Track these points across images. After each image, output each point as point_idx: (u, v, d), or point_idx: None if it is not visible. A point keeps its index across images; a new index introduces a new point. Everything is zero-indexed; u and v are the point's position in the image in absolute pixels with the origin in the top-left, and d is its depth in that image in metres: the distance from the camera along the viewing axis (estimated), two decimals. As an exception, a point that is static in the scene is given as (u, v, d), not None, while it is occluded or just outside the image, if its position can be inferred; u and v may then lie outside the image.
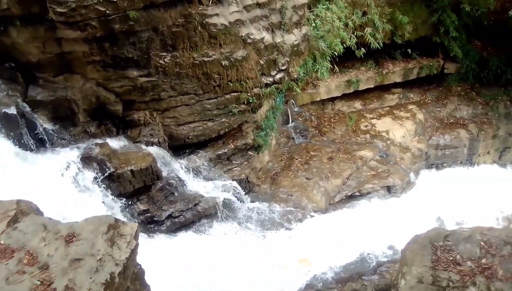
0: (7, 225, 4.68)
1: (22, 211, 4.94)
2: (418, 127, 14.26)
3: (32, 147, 7.19)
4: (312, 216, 10.55)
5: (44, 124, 7.38)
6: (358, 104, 14.83)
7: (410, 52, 14.72)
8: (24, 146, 7.04)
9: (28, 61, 7.38)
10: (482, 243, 4.88)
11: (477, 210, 13.35)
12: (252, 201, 10.15)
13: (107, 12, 7.05)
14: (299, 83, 11.64)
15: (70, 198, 6.86)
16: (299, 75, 11.09)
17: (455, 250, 4.76)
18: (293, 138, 12.68)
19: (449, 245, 4.83)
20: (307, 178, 11.37)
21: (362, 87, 14.34)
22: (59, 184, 6.91)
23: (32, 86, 7.45)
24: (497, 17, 14.17)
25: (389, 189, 12.26)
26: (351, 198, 11.83)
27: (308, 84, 13.11)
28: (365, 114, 14.39)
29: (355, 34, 12.07)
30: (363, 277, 8.70)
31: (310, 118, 13.56)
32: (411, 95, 15.62)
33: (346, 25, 11.72)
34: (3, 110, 6.74)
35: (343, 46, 11.71)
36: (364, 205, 11.71)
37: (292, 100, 12.83)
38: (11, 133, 6.84)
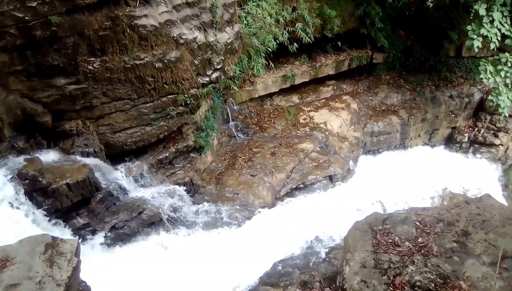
0: None
1: None
2: (353, 117, 14.86)
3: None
4: (259, 212, 10.64)
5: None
6: (295, 98, 15.15)
7: (340, 45, 15.27)
8: None
9: None
10: (417, 223, 5.18)
11: (413, 190, 14.23)
12: (198, 203, 10.04)
13: (26, 18, 6.60)
14: (236, 81, 11.67)
15: (1, 219, 6.38)
16: (235, 73, 11.11)
17: (394, 232, 5.00)
18: (235, 136, 12.69)
19: (387, 228, 5.08)
20: (251, 175, 11.44)
21: (298, 81, 14.67)
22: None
23: None
24: (417, 7, 15.07)
25: (331, 178, 12.66)
26: (296, 190, 12.09)
27: (245, 82, 13.18)
28: (303, 108, 14.74)
29: (286, 30, 12.31)
30: (312, 267, 8.92)
31: (250, 115, 13.64)
32: (345, 86, 16.23)
33: (277, 21, 11.90)
34: None
35: (276, 42, 11.90)
36: (309, 196, 12.01)
37: (231, 99, 12.82)
38: None
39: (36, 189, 7.15)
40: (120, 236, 8.36)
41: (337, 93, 15.94)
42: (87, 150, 8.15)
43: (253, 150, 12.31)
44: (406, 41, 16.66)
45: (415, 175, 14.81)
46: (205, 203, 10.09)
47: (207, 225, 9.60)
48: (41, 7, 6.63)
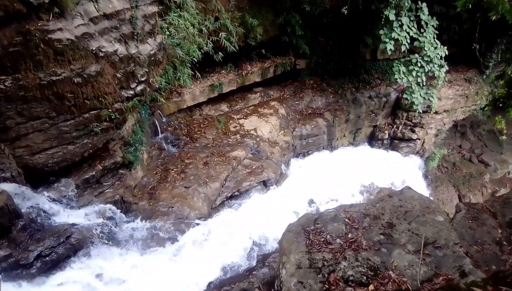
0: None
1: None
2: (282, 122, 15.26)
3: None
4: (197, 224, 10.50)
5: None
6: (224, 107, 15.22)
7: (264, 53, 15.63)
8: None
9: None
10: (346, 220, 5.42)
11: (343, 188, 14.94)
12: (130, 221, 9.67)
13: None
14: (163, 93, 11.46)
15: None
16: (161, 85, 10.92)
17: (325, 231, 5.19)
18: (165, 149, 12.43)
19: (319, 228, 5.25)
20: (185, 187, 11.26)
21: (225, 90, 14.76)
22: None
23: None
24: (334, 14, 15.86)
25: (265, 183, 12.86)
26: (232, 198, 12.12)
27: (172, 93, 13.00)
28: (232, 116, 14.85)
29: (210, 39, 12.36)
30: (253, 273, 8.98)
31: (179, 126, 13.46)
32: (272, 93, 16.63)
33: (201, 31, 11.91)
34: None
35: (201, 52, 11.90)
36: (245, 203, 12.10)
37: (159, 111, 12.56)
38: None
39: None
40: (47, 264, 7.79)
41: (265, 100, 16.27)
42: (3, 175, 7.52)
43: (185, 161, 12.15)
44: (326, 47, 17.48)
45: (344, 173, 15.55)
46: (138, 220, 9.75)
47: (142, 243, 9.27)
48: None
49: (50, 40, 7.52)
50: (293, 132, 15.58)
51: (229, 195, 12.04)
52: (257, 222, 11.19)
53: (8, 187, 7.56)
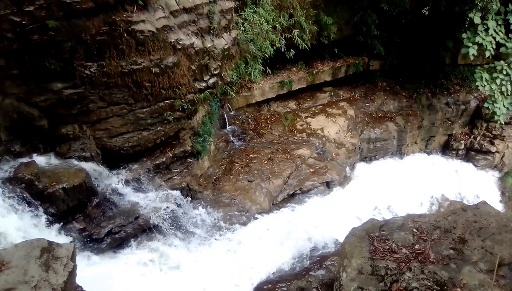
0: None
1: None
2: (350, 123, 14.91)
3: None
4: (256, 218, 10.62)
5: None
6: (292, 104, 15.19)
7: (337, 52, 15.34)
8: None
9: None
10: (414, 230, 5.17)
11: (410, 197, 14.27)
12: (195, 208, 10.00)
13: (24, 22, 6.59)
14: (233, 87, 11.67)
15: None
16: (232, 78, 11.12)
17: (391, 238, 4.99)
18: (232, 142, 12.69)
19: (384, 235, 5.07)
20: (248, 181, 11.43)
21: (295, 87, 14.72)
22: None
23: None
24: (413, 15, 15.17)
25: (328, 184, 12.68)
26: (293, 196, 12.09)
27: (242, 88, 13.21)
28: (300, 114, 14.78)
29: (283, 36, 12.36)
30: (310, 273, 8.90)
31: (247, 121, 13.66)
32: (341, 93, 16.30)
33: (274, 27, 11.95)
34: None
35: (273, 48, 11.93)
36: (306, 202, 12.02)
37: (228, 104, 12.84)
38: None
39: (32, 193, 7.11)
40: (116, 241, 8.31)
41: (334, 100, 15.99)
42: (83, 154, 8.11)
43: (250, 156, 12.32)
44: (402, 48, 16.76)
45: (412, 182, 14.85)
46: (202, 208, 10.06)
47: (203, 231, 9.56)
48: (38, 12, 6.63)
49: (133, 31, 7.94)
50: (360, 135, 15.17)
51: (291, 192, 12.02)
52: (317, 222, 11.06)
53: (87, 165, 8.13)
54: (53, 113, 7.96)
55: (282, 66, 14.66)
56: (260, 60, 11.94)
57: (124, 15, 7.82)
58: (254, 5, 11.12)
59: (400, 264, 4.61)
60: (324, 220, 11.18)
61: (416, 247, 4.88)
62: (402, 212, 12.92)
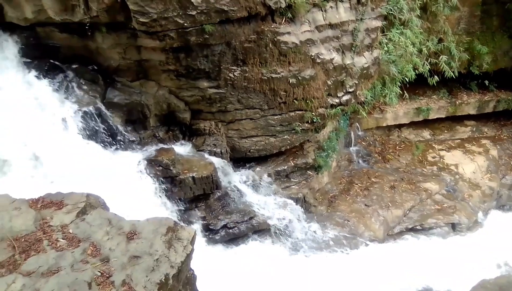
0: (76, 215, 4.99)
1: (90, 204, 5.24)
2: (491, 164, 13.35)
3: (104, 145, 7.67)
4: (367, 245, 10.18)
5: (118, 125, 7.84)
6: (426, 134, 14.23)
7: (487, 84, 13.92)
8: (96, 142, 7.52)
9: (109, 65, 7.97)
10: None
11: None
12: (307, 221, 10.00)
13: (185, 24, 7.37)
14: (366, 107, 11.39)
15: (134, 196, 7.17)
16: (366, 98, 10.88)
17: (528, 299, 4.34)
18: (355, 162, 12.40)
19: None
20: (366, 205, 11.03)
21: (432, 116, 13.76)
22: (125, 182, 7.27)
23: (111, 89, 8.01)
24: None
25: (453, 226, 11.54)
26: (411, 231, 11.29)
27: (375, 109, 12.81)
28: (433, 145, 13.76)
29: (428, 61, 11.66)
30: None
31: (374, 143, 13.20)
32: (485, 130, 14.72)
33: (420, 51, 11.36)
34: (84, 108, 7.30)
35: (415, 72, 11.35)
36: (425, 240, 11.11)
37: (357, 124, 12.58)
38: (88, 129, 7.36)
39: (166, 176, 7.91)
40: (229, 236, 8.75)
41: (475, 136, 14.51)
42: (215, 149, 8.76)
43: (372, 179, 11.87)
44: None
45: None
46: (314, 223, 10.00)
47: (312, 245, 9.50)
48: (199, 16, 7.35)
49: (278, 42, 8.34)
50: (502, 179, 13.46)
51: (410, 227, 11.24)
52: (434, 264, 10.13)
53: (216, 160, 8.76)
54: (195, 108, 8.78)
55: (421, 91, 13.84)
56: (399, 83, 11.45)
57: (272, 26, 8.26)
58: (402, 26, 10.73)
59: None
60: (442, 264, 10.19)
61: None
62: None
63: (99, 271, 4.28)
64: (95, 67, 7.97)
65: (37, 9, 6.97)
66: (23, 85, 7.12)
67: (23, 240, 4.53)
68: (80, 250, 4.51)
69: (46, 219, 4.92)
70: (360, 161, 12.54)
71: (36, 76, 7.26)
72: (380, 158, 12.82)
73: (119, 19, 7.30)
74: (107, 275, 4.26)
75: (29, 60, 7.36)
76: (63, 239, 4.66)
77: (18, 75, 7.18)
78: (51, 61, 7.58)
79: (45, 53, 7.59)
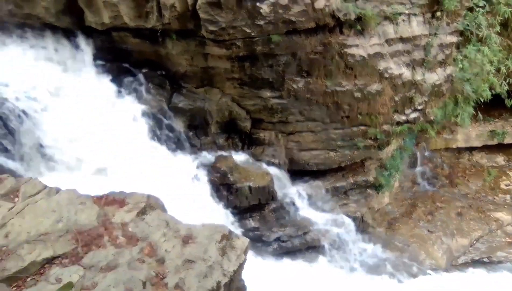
0: (136, 215, 5.11)
1: (150, 205, 5.35)
2: None
3: (165, 147, 7.86)
4: (428, 274, 9.55)
5: (180, 129, 8.03)
6: (500, 159, 13.20)
7: None
8: (159, 145, 7.75)
9: (176, 71, 8.23)
10: None
11: None
12: (363, 242, 9.59)
13: (252, 34, 7.42)
14: (435, 126, 10.76)
15: (191, 199, 7.26)
16: (436, 117, 10.29)
17: None
18: (419, 184, 11.76)
19: None
20: (428, 230, 10.41)
21: (508, 141, 12.74)
22: (183, 185, 7.39)
23: (176, 94, 8.27)
24: None
25: (526, 262, 10.54)
26: (477, 263, 10.48)
27: (445, 129, 12.08)
28: (507, 172, 12.74)
29: (507, 81, 10.84)
30: None
31: (441, 165, 12.46)
32: None
33: (498, 70, 10.59)
34: (151, 110, 7.63)
35: (491, 92, 10.59)
36: (493, 275, 10.24)
37: (424, 143, 11.92)
38: (153, 131, 7.62)
39: (223, 183, 7.94)
40: (282, 249, 8.61)
41: (555, 165, 13.28)
42: (273, 160, 8.68)
43: (437, 204, 11.21)
44: None
45: None
46: (372, 244, 9.56)
47: (369, 268, 9.08)
48: (266, 26, 7.37)
49: (345, 54, 8.14)
50: None
51: (476, 258, 10.43)
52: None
53: (273, 171, 8.68)
54: (256, 118, 8.78)
55: (497, 113, 12.89)
56: (472, 103, 10.73)
57: (339, 38, 8.09)
58: (479, 43, 10.06)
59: None
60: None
61: None
62: None
63: (154, 272, 4.33)
64: (163, 72, 8.27)
65: (114, 14, 7.35)
66: (96, 85, 7.53)
67: (86, 234, 4.70)
68: (138, 249, 4.60)
69: (108, 216, 5.09)
70: (425, 183, 11.87)
71: (108, 78, 7.68)
72: (448, 181, 12.07)
73: (189, 27, 7.51)
74: (162, 276, 4.30)
75: (102, 62, 7.78)
76: (122, 236, 4.78)
77: (92, 76, 7.61)
78: (123, 64, 7.96)
79: (117, 56, 8.02)
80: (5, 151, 6.23)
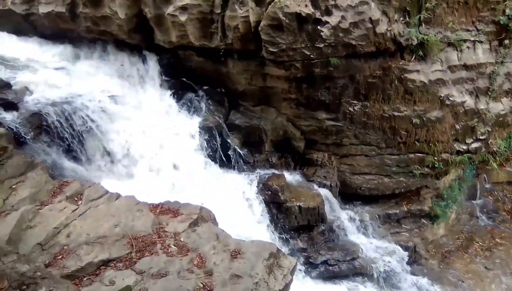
0: (189, 226, 5.31)
1: (202, 217, 5.54)
2: None
3: (220, 163, 8.11)
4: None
5: (235, 146, 8.24)
6: None
7: None
8: (213, 160, 8.03)
9: (235, 89, 8.53)
10: None
11: None
12: (414, 274, 9.19)
13: (311, 56, 7.52)
14: (498, 158, 10.21)
15: (241, 214, 7.40)
16: (500, 149, 9.76)
17: None
18: (477, 217, 11.12)
19: None
20: (486, 267, 9.79)
21: None
22: (234, 201, 7.55)
23: (234, 111, 8.58)
24: None
25: None
26: (540, 308, 9.68)
27: (508, 161, 11.41)
28: None
29: None
30: None
31: (503, 199, 11.72)
32: None
33: None
34: (209, 125, 7.94)
35: None
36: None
37: (485, 175, 11.31)
38: (206, 146, 7.89)
39: (274, 202, 8.00)
40: (328, 273, 8.44)
41: None
42: (325, 182, 8.63)
43: (496, 240, 10.52)
44: None
45: None
46: (423, 277, 9.13)
47: (417, 301, 8.69)
48: (326, 49, 7.44)
49: (405, 79, 8.03)
50: None
51: (540, 303, 9.64)
52: None
53: (324, 193, 8.60)
54: (310, 138, 8.83)
55: None
56: (541, 136, 10.10)
57: (400, 63, 8.01)
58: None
59: None
60: None
61: None
62: None
63: (201, 283, 4.44)
64: (223, 90, 8.58)
65: (181, 34, 7.79)
66: (162, 99, 8.00)
67: (140, 240, 4.95)
68: (188, 259, 4.75)
69: (162, 224, 5.33)
70: (484, 217, 11.20)
71: (172, 93, 8.13)
72: (509, 217, 11.31)
73: (250, 48, 7.77)
74: (208, 288, 4.40)
75: (167, 78, 8.25)
76: (174, 245, 4.97)
77: (158, 91, 8.08)
78: (186, 81, 8.37)
79: (181, 73, 8.46)
80: (73, 156, 6.74)
